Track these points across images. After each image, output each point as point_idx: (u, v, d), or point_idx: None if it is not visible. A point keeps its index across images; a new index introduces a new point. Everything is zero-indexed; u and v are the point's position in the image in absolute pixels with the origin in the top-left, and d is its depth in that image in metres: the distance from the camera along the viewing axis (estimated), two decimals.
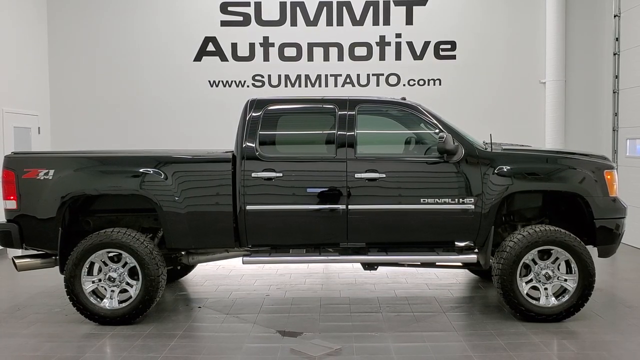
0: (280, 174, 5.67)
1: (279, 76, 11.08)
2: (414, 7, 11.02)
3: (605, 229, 5.74)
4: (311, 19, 11.03)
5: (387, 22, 11.04)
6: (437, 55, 11.07)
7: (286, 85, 11.05)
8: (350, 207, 5.67)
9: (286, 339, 5.27)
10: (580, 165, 5.80)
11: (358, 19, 11.04)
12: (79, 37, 11.09)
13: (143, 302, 5.62)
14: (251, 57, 11.08)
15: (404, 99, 6.20)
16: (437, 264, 6.23)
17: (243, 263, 5.87)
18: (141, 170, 5.71)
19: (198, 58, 11.07)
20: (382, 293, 6.84)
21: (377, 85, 11.05)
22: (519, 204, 6.12)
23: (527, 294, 5.62)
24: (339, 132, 5.78)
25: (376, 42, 11.06)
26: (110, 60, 11.08)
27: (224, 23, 11.06)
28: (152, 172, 5.69)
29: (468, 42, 11.05)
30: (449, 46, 11.06)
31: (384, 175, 5.68)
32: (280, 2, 11.02)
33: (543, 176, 5.79)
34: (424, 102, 6.35)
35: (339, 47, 11.06)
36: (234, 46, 11.07)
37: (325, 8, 11.02)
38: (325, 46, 11.06)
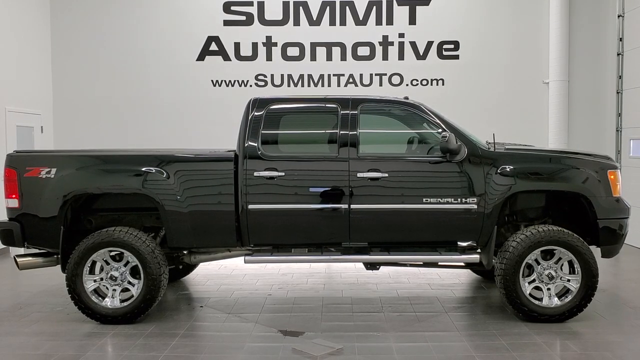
0: (283, 173, 5.66)
1: (282, 76, 11.07)
2: (417, 7, 11.00)
3: (609, 229, 5.72)
4: (314, 19, 11.02)
5: (390, 21, 11.02)
6: (440, 55, 11.05)
7: (289, 85, 11.05)
8: (352, 206, 5.65)
9: (288, 338, 5.26)
10: (583, 165, 5.78)
11: (361, 19, 11.02)
12: (81, 36, 11.10)
13: (145, 301, 5.61)
14: (254, 56, 11.07)
15: (406, 98, 6.18)
16: (439, 264, 6.23)
17: (245, 262, 5.86)
18: (143, 169, 5.70)
19: (201, 57, 11.07)
20: (384, 293, 6.82)
21: (380, 85, 11.03)
22: (522, 203, 6.09)
23: (529, 294, 5.60)
24: (341, 132, 5.76)
25: (379, 42, 11.04)
26: (112, 60, 11.09)
27: (226, 22, 11.06)
28: (154, 171, 5.68)
29: (471, 42, 11.03)
30: (452, 46, 11.04)
31: (386, 175, 5.66)
32: (283, 1, 11.01)
33: (546, 176, 5.77)
34: (427, 101, 6.34)
35: (342, 46, 11.04)
36: (237, 46, 11.07)
37: (328, 8, 11.01)
38: (328, 46, 11.05)
